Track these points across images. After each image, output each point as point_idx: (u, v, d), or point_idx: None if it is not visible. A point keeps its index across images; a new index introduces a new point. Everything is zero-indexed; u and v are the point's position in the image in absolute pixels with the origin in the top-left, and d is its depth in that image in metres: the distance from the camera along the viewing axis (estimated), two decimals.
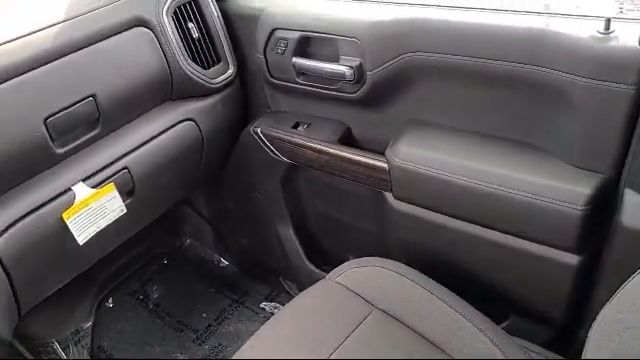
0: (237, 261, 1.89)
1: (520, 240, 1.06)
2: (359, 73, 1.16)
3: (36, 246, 1.08)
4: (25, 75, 1.01)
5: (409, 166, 1.13)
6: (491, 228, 1.09)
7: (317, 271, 1.56)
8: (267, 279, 1.80)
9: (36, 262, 1.10)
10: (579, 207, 0.95)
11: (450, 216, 1.14)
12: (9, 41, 1.01)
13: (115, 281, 1.81)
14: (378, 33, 1.12)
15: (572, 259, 1.02)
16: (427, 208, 1.16)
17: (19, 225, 1.04)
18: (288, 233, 1.57)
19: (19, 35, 1.03)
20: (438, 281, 1.08)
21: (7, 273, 1.05)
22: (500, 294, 1.16)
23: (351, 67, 1.16)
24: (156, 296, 1.81)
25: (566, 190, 0.97)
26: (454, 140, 1.12)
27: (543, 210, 0.99)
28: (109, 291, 1.79)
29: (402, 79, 1.13)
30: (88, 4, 1.14)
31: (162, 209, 1.47)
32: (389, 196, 1.23)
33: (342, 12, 1.19)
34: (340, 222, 1.48)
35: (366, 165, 1.22)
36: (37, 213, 1.07)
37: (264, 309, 1.74)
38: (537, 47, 0.92)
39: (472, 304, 1.04)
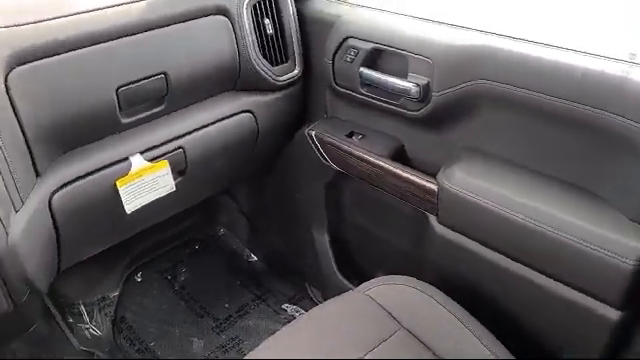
0: (266, 259, 1.90)
1: (561, 285, 1.04)
2: (424, 92, 1.17)
3: (87, 207, 1.12)
4: (106, 44, 1.06)
5: (459, 192, 1.13)
6: (533, 268, 1.07)
7: (345, 282, 1.56)
8: (293, 281, 1.81)
9: (84, 223, 1.14)
10: (630, 262, 0.93)
11: (493, 249, 1.12)
12: (96, 9, 1.06)
13: (147, 257, 1.85)
14: (450, 56, 1.12)
15: (613, 314, 0.99)
16: (471, 237, 1.15)
17: (75, 184, 1.08)
18: (323, 240, 1.57)
19: (105, 5, 1.07)
20: (468, 310, 1.06)
21: (56, 228, 1.09)
22: (531, 335, 1.13)
23: (417, 85, 1.16)
24: (183, 279, 1.84)
25: (619, 242, 0.95)
26: (510, 173, 1.11)
27: (591, 259, 0.97)
28: (139, 266, 1.83)
29: (467, 105, 1.13)
30: None
31: (207, 194, 1.50)
32: (433, 219, 1.22)
33: (416, 30, 1.19)
34: (377, 237, 1.47)
35: (415, 184, 1.22)
36: (94, 176, 1.11)
37: (285, 310, 1.75)
38: (613, 94, 0.91)
39: (500, 339, 1.02)
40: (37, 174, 1.03)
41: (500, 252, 1.11)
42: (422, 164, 1.30)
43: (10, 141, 0.94)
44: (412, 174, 1.23)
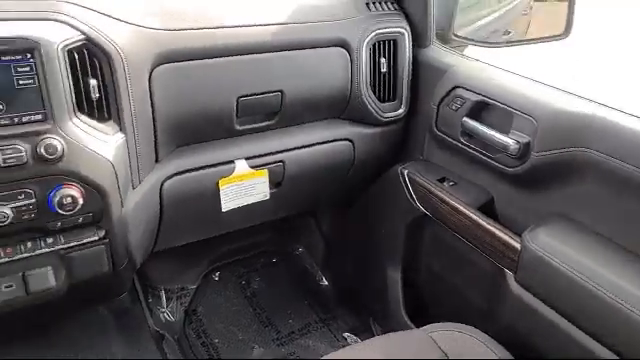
0: (336, 285, 1.95)
1: None
2: (524, 151, 1.18)
3: (190, 198, 1.23)
4: (237, 57, 1.18)
5: (543, 255, 1.12)
6: (609, 347, 1.04)
7: (409, 324, 1.56)
8: (358, 313, 1.83)
9: (184, 211, 1.26)
10: None
11: (568, 319, 1.10)
12: (237, 26, 1.19)
13: (227, 260, 1.95)
14: (557, 119, 1.13)
15: None
16: (547, 303, 1.13)
17: (185, 175, 1.21)
18: (395, 278, 1.59)
19: (245, 24, 1.20)
20: None
21: (161, 211, 1.21)
22: None
23: (518, 142, 1.18)
24: (256, 287, 1.93)
25: None
26: (599, 247, 1.09)
27: None
28: (219, 266, 1.94)
29: (565, 170, 1.13)
30: (304, 16, 1.29)
31: (295, 210, 1.58)
32: (510, 277, 1.22)
33: (524, 88, 1.22)
34: (450, 285, 1.48)
35: (499, 239, 1.22)
36: (202, 171, 1.23)
37: (345, 339, 1.77)
38: None
39: None
40: (157, 160, 1.15)
41: (575, 323, 1.09)
42: (509, 220, 1.30)
43: (143, 126, 1.07)
44: (498, 228, 1.24)
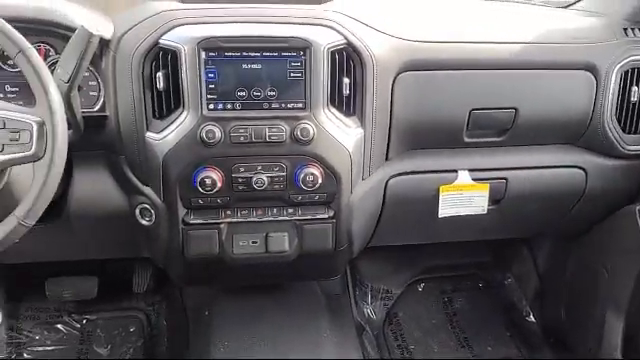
0: (544, 322, 1.83)
1: None
2: None
3: (410, 198, 1.32)
4: (475, 71, 1.23)
5: None
6: None
7: None
8: (565, 356, 1.70)
9: (403, 210, 1.35)
10: None
11: None
12: (478, 42, 1.24)
13: (434, 274, 1.99)
14: None
15: None
16: None
17: (409, 177, 1.30)
18: (615, 325, 1.45)
19: (487, 41, 1.25)
20: None
21: (383, 207, 1.31)
22: None
23: None
24: (458, 307, 1.93)
25: None
26: None
27: None
28: (425, 278, 1.98)
29: None
30: (548, 36, 1.28)
31: (510, 234, 1.56)
32: None
33: None
34: None
35: None
36: (424, 175, 1.31)
37: None
38: None
39: None
40: (387, 158, 1.26)
41: None
42: None
43: (380, 126, 1.19)
44: None
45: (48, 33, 1.08)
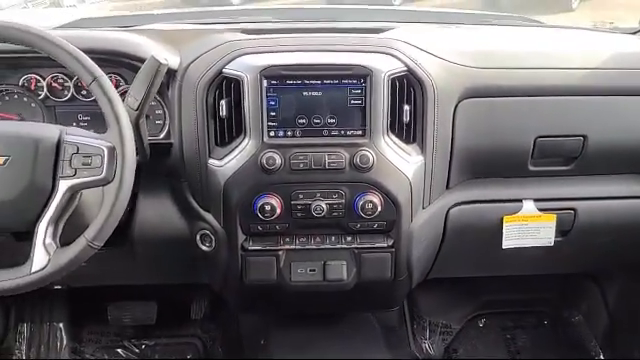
0: None
1: None
2: None
3: (472, 229, 1.28)
4: (540, 97, 1.20)
5: None
6: None
7: None
8: None
9: (465, 241, 1.30)
10: None
11: None
12: (540, 68, 1.21)
13: (495, 309, 1.91)
14: None
15: None
16: None
17: (471, 206, 1.27)
18: None
19: (549, 66, 1.21)
20: None
21: (443, 236, 1.28)
22: None
23: None
24: (521, 345, 1.83)
25: None
26: None
27: None
28: (486, 313, 1.90)
29: None
30: (617, 61, 1.24)
31: (579, 267, 1.48)
32: None
33: None
34: None
35: None
36: (487, 205, 1.27)
37: None
38: None
39: None
40: (447, 187, 1.24)
41: None
42: None
43: (441, 153, 1.17)
44: None
45: (119, 64, 1.14)
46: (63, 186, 0.88)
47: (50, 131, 0.91)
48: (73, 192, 0.89)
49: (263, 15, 1.60)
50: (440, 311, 1.86)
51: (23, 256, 0.93)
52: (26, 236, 1.02)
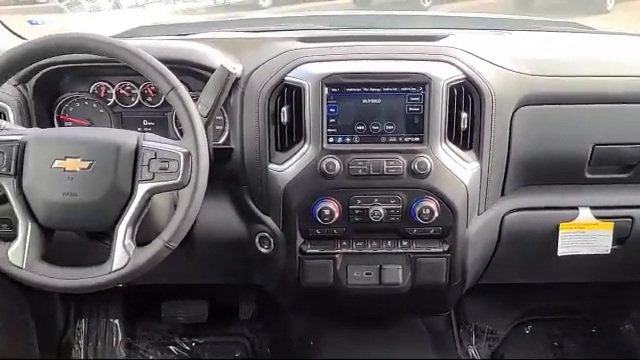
0: None
1: None
2: None
3: (527, 236, 1.28)
4: (598, 105, 1.20)
5: None
6: None
7: None
8: None
9: (519, 248, 1.31)
10: None
11: None
12: (597, 76, 1.21)
13: (543, 315, 1.89)
14: None
15: None
16: None
17: (526, 213, 1.27)
18: None
19: (604, 74, 1.22)
20: None
21: (498, 243, 1.28)
22: None
23: None
24: (568, 352, 1.82)
25: None
26: None
27: None
28: (533, 320, 1.89)
29: None
30: None
31: (637, 276, 1.46)
32: None
33: None
34: None
35: None
36: (543, 212, 1.27)
37: None
38: None
39: None
40: (502, 193, 1.24)
41: None
42: None
43: (497, 160, 1.18)
44: None
45: (186, 72, 1.18)
46: (142, 189, 0.92)
47: (129, 137, 0.95)
48: (150, 195, 0.93)
49: (314, 22, 1.63)
50: (486, 316, 1.85)
51: (94, 255, 0.98)
52: (99, 236, 1.08)
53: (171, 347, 1.80)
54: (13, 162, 0.93)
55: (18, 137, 0.95)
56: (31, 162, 0.94)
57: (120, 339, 1.78)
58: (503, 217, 1.26)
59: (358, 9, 6.34)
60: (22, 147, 0.94)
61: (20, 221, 0.94)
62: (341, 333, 1.61)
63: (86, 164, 0.92)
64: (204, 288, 1.78)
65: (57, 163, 0.92)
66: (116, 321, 1.79)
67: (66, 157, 0.92)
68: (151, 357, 1.78)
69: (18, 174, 0.94)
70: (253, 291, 1.80)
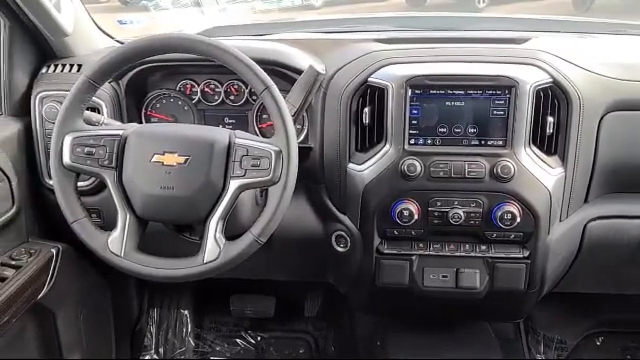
0: None
1: None
2: None
3: (611, 244, 1.24)
4: None
5: None
6: None
7: None
8: None
9: (602, 256, 1.27)
10: None
11: None
12: None
13: (615, 327, 1.82)
14: None
15: None
16: None
17: (611, 221, 1.23)
18: None
19: None
20: None
21: (579, 251, 1.25)
22: None
23: None
24: None
25: None
26: None
27: None
28: (604, 331, 1.83)
29: None
30: None
31: None
32: None
33: None
34: None
35: None
36: (629, 221, 1.23)
37: None
38: None
39: None
40: (586, 200, 1.21)
41: None
42: None
43: (583, 166, 1.16)
44: None
45: (272, 72, 1.20)
46: (233, 185, 0.95)
47: (222, 134, 0.99)
48: (240, 191, 0.96)
49: (390, 24, 1.64)
50: (555, 326, 1.81)
51: (177, 248, 1.02)
52: (186, 229, 1.13)
53: (237, 340, 1.85)
54: (115, 156, 0.98)
55: (119, 132, 1.00)
56: (131, 156, 0.98)
57: (190, 329, 1.83)
58: (586, 225, 1.23)
59: (411, 9, 6.26)
60: (123, 141, 0.99)
61: (119, 212, 0.99)
62: (407, 334, 1.60)
63: (183, 159, 0.96)
64: (272, 284, 1.82)
65: (156, 157, 0.96)
66: (186, 312, 1.85)
67: (165, 152, 0.96)
68: (218, 348, 1.83)
69: (119, 167, 0.98)
70: (320, 289, 1.82)
